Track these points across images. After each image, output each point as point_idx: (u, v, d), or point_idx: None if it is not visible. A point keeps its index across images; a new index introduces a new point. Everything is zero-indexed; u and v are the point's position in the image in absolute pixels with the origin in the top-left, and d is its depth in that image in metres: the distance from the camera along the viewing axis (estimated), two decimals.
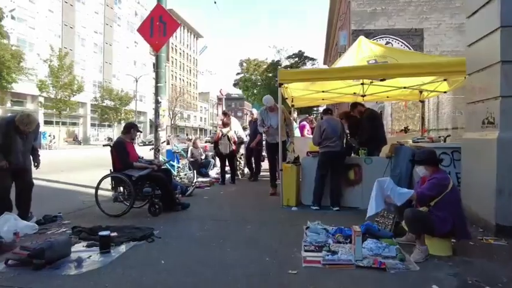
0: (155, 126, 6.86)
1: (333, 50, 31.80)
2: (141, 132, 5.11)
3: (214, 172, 9.28)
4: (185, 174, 7.57)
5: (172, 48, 65.59)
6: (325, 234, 3.47)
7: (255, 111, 8.31)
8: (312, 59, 34.21)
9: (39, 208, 4.35)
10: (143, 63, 55.09)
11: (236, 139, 7.48)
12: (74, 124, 40.94)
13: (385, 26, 16.83)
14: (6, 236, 3.31)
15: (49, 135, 29.60)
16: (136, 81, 42.06)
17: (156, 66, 6.99)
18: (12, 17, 32.61)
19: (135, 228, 3.74)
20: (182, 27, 70.14)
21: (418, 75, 5.08)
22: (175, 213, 4.67)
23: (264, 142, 7.71)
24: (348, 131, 5.78)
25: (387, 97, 7.81)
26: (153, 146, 6.80)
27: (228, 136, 7.27)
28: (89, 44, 42.89)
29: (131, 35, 52.23)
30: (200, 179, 8.11)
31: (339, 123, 5.14)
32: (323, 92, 6.65)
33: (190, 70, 75.05)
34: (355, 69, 4.96)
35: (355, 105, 5.84)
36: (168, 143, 10.81)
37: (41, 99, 31.81)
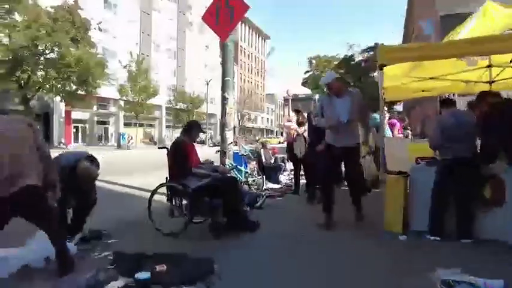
0: (221, 125, 6.02)
1: (411, 42, 28.48)
2: (204, 132, 4.27)
3: (285, 178, 8.21)
4: (254, 181, 6.62)
5: (240, 51, 66.60)
6: None
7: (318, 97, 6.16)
8: None
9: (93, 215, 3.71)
10: (213, 66, 56.71)
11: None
12: (151, 126, 43.56)
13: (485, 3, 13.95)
14: (36, 263, 2.64)
15: (127, 136, 31.60)
16: (207, 84, 43.27)
17: (223, 59, 6.14)
18: (100, 29, 35.83)
19: (190, 259, 2.81)
20: (250, 30, 70.92)
21: None
22: (243, 235, 3.68)
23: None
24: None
25: None
26: (219, 149, 5.96)
27: (304, 137, 6.09)
28: (163, 50, 45.31)
29: (202, 39, 54.08)
30: (270, 186, 7.10)
31: (471, 117, 3.62)
32: (431, 79, 5.12)
33: (258, 72, 75.50)
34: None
35: (484, 95, 4.20)
36: (235, 144, 10.07)
37: (121, 102, 34.22)
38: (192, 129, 3.96)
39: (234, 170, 5.94)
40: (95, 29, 30.56)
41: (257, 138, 36.31)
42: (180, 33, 48.97)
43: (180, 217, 3.74)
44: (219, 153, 5.90)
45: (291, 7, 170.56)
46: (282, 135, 77.35)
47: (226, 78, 5.89)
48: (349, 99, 3.92)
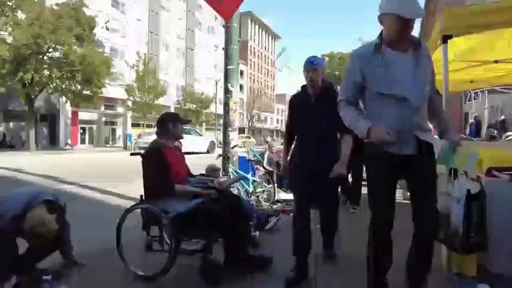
0: (223, 125, 4.96)
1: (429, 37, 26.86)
2: (187, 122, 3.14)
3: None
4: (263, 191, 5.52)
5: (250, 50, 65.65)
6: None
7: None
8: None
9: None
10: (223, 66, 55.94)
11: None
12: None
13: None
14: None
15: (134, 137, 30.32)
16: (217, 84, 42.39)
17: (226, 43, 5.08)
18: (107, 28, 35.31)
19: None
20: (259, 29, 69.90)
21: None
22: (247, 280, 2.59)
23: None
24: None
25: None
26: (220, 153, 4.90)
27: None
28: (172, 50, 44.61)
29: (212, 39, 53.36)
30: (282, 196, 6.01)
31: None
32: (495, 62, 3.95)
33: (267, 72, 74.41)
34: None
35: None
36: (243, 146, 9.00)
37: (129, 102, 33.57)
38: (167, 124, 2.77)
39: (241, 182, 4.86)
40: (102, 28, 30.12)
41: (267, 139, 35.21)
42: (189, 33, 48.29)
43: (161, 251, 2.67)
44: (220, 158, 4.84)
45: (301, 6, 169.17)
46: None
47: (230, 67, 4.83)
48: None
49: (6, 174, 9.28)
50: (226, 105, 4.80)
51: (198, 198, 2.53)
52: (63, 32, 20.07)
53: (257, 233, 3.56)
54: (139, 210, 2.66)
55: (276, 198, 5.67)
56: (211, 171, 3.89)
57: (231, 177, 4.61)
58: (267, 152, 7.03)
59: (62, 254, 2.68)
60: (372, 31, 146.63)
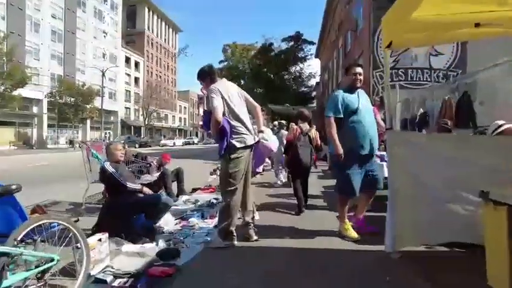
0: None
1: (328, 38, 26.98)
2: None
3: (171, 223, 4.17)
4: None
5: (147, 41, 59.67)
6: None
7: None
8: (311, 43, 29.08)
9: None
10: (114, 56, 49.17)
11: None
12: (26, 125, 34.59)
13: None
14: None
15: None
16: (103, 74, 36.11)
17: None
18: None
19: None
20: (159, 20, 64.27)
21: None
22: None
23: None
24: None
25: None
26: None
27: (310, 136, 4.65)
28: (45, 31, 36.48)
29: (99, 24, 46.21)
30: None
31: None
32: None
33: (168, 66, 69.00)
34: None
35: None
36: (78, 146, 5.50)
37: None
38: None
39: None
40: None
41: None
42: (70, 13, 40.41)
43: None
44: None
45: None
46: (196, 135, 71.41)
47: None
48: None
49: None
50: None
51: None
52: None
53: None
54: None
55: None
56: None
57: None
58: (107, 163, 3.87)
59: None
60: (271, 28, 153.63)
